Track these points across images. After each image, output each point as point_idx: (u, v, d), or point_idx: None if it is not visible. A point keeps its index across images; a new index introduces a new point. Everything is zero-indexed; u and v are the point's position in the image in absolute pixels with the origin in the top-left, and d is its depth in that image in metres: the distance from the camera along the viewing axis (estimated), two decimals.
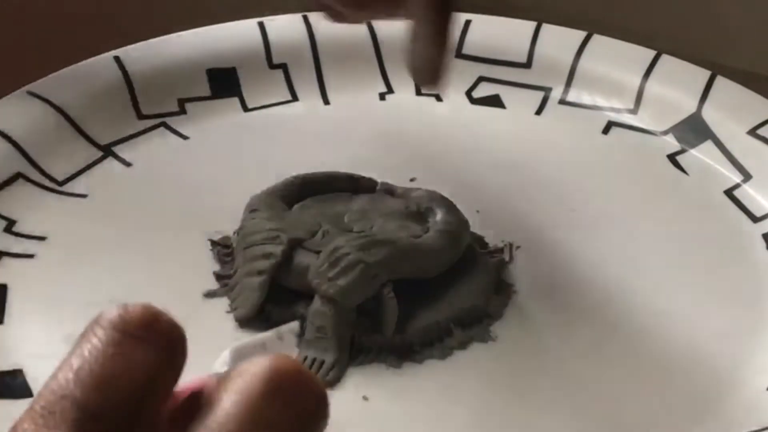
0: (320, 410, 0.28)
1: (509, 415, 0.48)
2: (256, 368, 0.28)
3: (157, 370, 0.27)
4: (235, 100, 0.67)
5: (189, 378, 0.30)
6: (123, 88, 0.65)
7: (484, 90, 0.67)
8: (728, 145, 0.63)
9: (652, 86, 0.67)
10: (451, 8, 0.52)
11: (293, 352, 0.42)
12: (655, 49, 0.68)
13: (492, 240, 0.57)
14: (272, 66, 0.68)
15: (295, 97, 0.68)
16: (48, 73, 0.64)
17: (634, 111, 0.66)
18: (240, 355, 0.36)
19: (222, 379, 0.28)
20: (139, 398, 0.27)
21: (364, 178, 0.57)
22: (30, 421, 0.27)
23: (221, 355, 0.32)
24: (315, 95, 0.68)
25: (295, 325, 0.43)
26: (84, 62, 0.66)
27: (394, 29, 0.67)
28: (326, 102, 0.67)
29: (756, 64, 0.72)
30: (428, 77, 0.53)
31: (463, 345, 0.51)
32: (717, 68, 0.67)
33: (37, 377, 0.49)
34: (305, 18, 0.70)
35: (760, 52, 0.75)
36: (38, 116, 0.62)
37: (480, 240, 0.56)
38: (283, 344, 0.43)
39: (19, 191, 0.58)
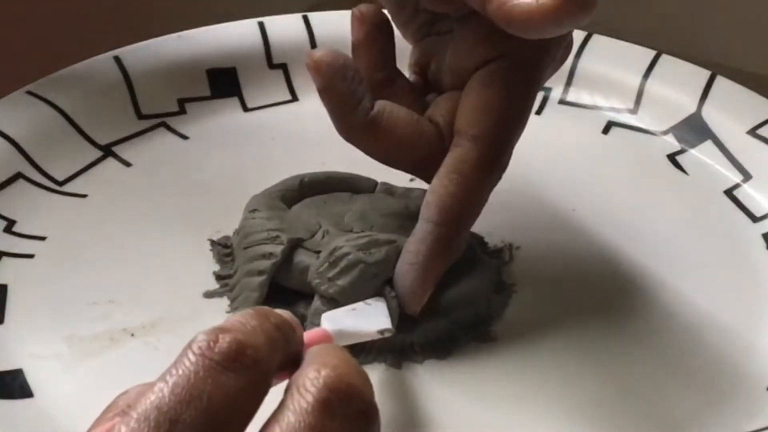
0: (371, 418, 0.33)
1: (510, 415, 0.48)
2: (309, 385, 0.32)
3: (240, 396, 0.31)
4: (235, 100, 0.67)
5: None
6: (123, 88, 0.65)
7: None
8: (728, 145, 0.63)
9: (652, 86, 0.67)
10: (450, 260, 0.50)
11: (383, 315, 0.45)
12: (655, 50, 0.68)
13: (492, 240, 0.57)
14: (272, 66, 0.68)
15: (295, 97, 0.68)
16: (48, 73, 0.64)
17: (634, 111, 0.67)
18: (334, 321, 0.40)
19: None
20: (224, 418, 0.31)
21: (363, 178, 0.57)
22: (124, 424, 0.31)
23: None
24: (315, 95, 0.66)
25: (380, 298, 0.45)
26: (83, 62, 0.66)
27: None
28: None
29: (756, 64, 0.72)
30: (406, 302, 0.50)
31: (463, 345, 0.51)
32: (717, 68, 0.67)
33: (36, 377, 0.49)
34: (305, 18, 0.70)
35: (760, 52, 0.75)
36: (38, 116, 0.62)
37: (480, 240, 0.56)
38: (371, 308, 0.46)
39: (19, 191, 0.58)
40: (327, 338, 0.41)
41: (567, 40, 0.50)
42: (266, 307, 0.36)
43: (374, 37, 0.52)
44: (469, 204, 0.49)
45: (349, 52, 0.67)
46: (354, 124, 0.49)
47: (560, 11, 0.41)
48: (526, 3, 0.41)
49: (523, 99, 0.49)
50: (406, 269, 0.49)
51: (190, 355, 0.32)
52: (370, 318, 0.47)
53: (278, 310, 0.37)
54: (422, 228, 0.49)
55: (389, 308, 0.49)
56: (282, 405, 0.32)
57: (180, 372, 0.31)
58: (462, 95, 0.49)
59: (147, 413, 0.30)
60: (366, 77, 0.50)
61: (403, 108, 0.50)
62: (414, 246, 0.49)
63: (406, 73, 0.54)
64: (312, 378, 0.32)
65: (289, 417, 0.31)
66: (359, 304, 0.48)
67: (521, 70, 0.48)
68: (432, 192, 0.49)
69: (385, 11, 0.53)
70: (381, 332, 0.46)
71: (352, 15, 0.52)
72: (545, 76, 0.50)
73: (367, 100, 0.49)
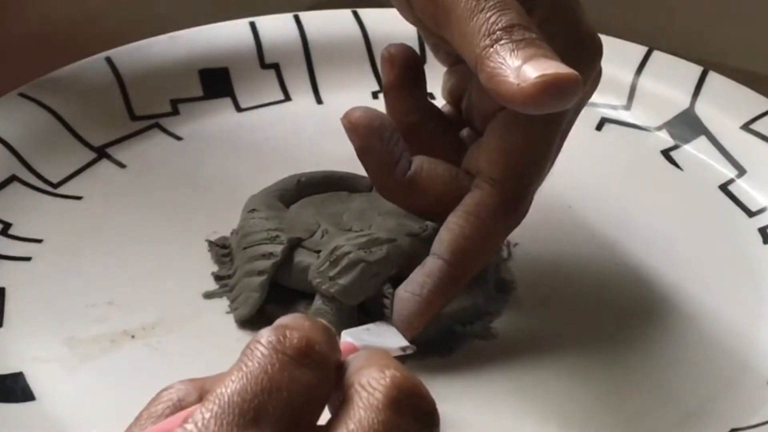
0: (436, 420, 0.33)
1: (511, 412, 0.48)
2: (376, 384, 0.32)
3: (313, 389, 0.32)
4: (228, 101, 0.67)
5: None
6: (115, 89, 0.65)
7: None
8: (722, 141, 0.63)
9: (645, 82, 0.67)
10: (452, 297, 0.50)
11: (396, 335, 0.48)
12: (649, 48, 0.68)
13: None
14: (264, 66, 0.68)
15: (288, 97, 0.68)
16: (39, 75, 0.64)
17: (627, 107, 0.67)
18: (356, 337, 0.42)
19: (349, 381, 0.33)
20: (302, 410, 0.31)
21: (360, 177, 0.56)
22: (208, 412, 0.31)
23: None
24: (308, 95, 0.68)
25: (385, 322, 0.48)
26: (76, 64, 0.65)
27: (385, 28, 0.67)
28: (319, 101, 0.67)
29: (748, 62, 0.72)
30: (400, 327, 0.49)
31: (463, 342, 0.51)
32: (709, 66, 0.67)
33: (38, 380, 0.48)
34: (296, 17, 0.70)
35: (755, 50, 0.75)
36: (31, 118, 0.61)
37: None
38: (382, 328, 0.46)
39: (14, 194, 0.58)
40: (355, 351, 0.41)
41: (595, 72, 0.50)
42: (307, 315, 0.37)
43: (405, 79, 0.51)
44: (483, 247, 0.49)
45: (341, 53, 0.69)
46: (393, 184, 0.49)
47: (537, 98, 0.41)
48: (510, 83, 0.42)
49: (545, 143, 0.49)
50: (407, 297, 0.49)
51: (262, 349, 0.32)
52: (386, 336, 0.47)
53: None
54: (431, 262, 0.49)
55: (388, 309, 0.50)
56: (348, 403, 0.32)
57: (256, 364, 0.31)
58: (484, 135, 0.49)
59: (230, 400, 0.31)
60: (399, 121, 0.50)
61: (441, 163, 0.50)
62: (420, 277, 0.49)
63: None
64: (377, 377, 0.32)
65: (360, 413, 0.32)
66: (370, 325, 0.48)
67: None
68: (447, 229, 0.49)
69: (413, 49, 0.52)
70: (403, 349, 0.46)
71: (382, 57, 0.52)
72: (570, 116, 0.50)
73: (405, 159, 0.49)
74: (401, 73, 0.51)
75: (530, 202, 0.50)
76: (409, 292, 0.49)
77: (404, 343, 0.46)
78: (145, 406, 0.34)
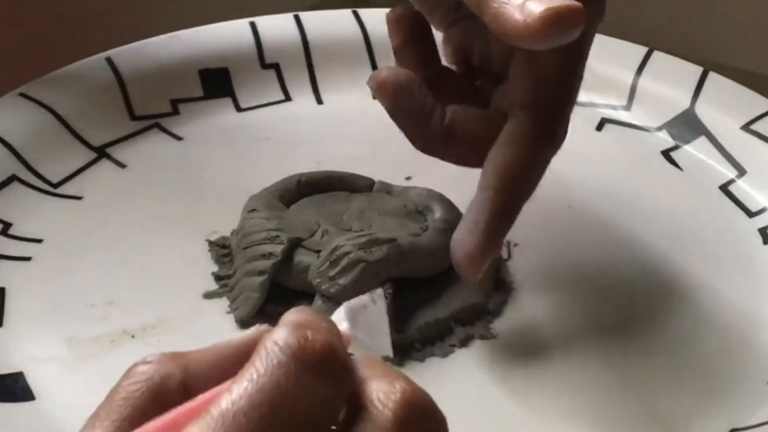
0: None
1: (511, 412, 0.48)
2: (385, 398, 0.30)
3: (328, 404, 0.30)
4: (228, 101, 0.67)
5: None
6: (115, 89, 0.65)
7: None
8: (722, 141, 0.64)
9: (645, 83, 0.67)
10: (507, 230, 0.49)
11: (384, 331, 0.44)
12: (649, 48, 0.68)
13: None
14: (264, 66, 0.68)
15: (288, 97, 0.68)
16: (40, 75, 0.64)
17: (627, 107, 0.67)
18: (352, 313, 0.40)
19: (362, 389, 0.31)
20: (309, 429, 0.29)
21: (360, 177, 0.57)
22: (205, 425, 0.28)
23: (338, 311, 0.35)
24: (308, 95, 0.68)
25: (380, 290, 0.44)
26: (76, 63, 0.65)
27: (385, 28, 0.67)
28: (319, 101, 0.67)
29: (751, 63, 0.72)
30: (464, 270, 0.48)
31: (464, 342, 0.51)
32: (710, 66, 0.67)
33: (38, 380, 0.48)
34: (296, 17, 0.70)
35: (755, 50, 0.75)
36: (31, 118, 0.62)
37: None
38: (374, 318, 0.46)
39: (14, 194, 0.58)
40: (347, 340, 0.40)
41: None
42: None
43: (414, 38, 0.51)
44: (527, 173, 0.48)
45: (341, 53, 0.69)
46: (432, 135, 0.48)
47: (545, 33, 0.41)
48: (516, 20, 0.41)
49: (572, 64, 0.48)
50: (463, 237, 0.48)
51: (279, 354, 0.29)
52: (376, 338, 0.46)
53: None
54: (480, 198, 0.48)
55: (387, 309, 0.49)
56: (357, 417, 0.30)
57: (269, 375, 0.29)
58: (510, 71, 0.49)
59: (235, 421, 0.28)
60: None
61: (473, 108, 0.49)
62: (472, 215, 0.48)
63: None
64: (386, 391, 0.30)
65: (370, 431, 0.30)
66: (368, 302, 0.47)
67: None
68: (490, 162, 0.48)
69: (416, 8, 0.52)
70: (385, 359, 0.46)
71: (388, 20, 0.51)
72: (589, 38, 0.49)
73: (439, 109, 0.48)
74: (411, 31, 0.51)
75: (566, 127, 0.49)
76: (464, 231, 0.48)
77: (388, 351, 0.46)
78: (118, 382, 0.31)
